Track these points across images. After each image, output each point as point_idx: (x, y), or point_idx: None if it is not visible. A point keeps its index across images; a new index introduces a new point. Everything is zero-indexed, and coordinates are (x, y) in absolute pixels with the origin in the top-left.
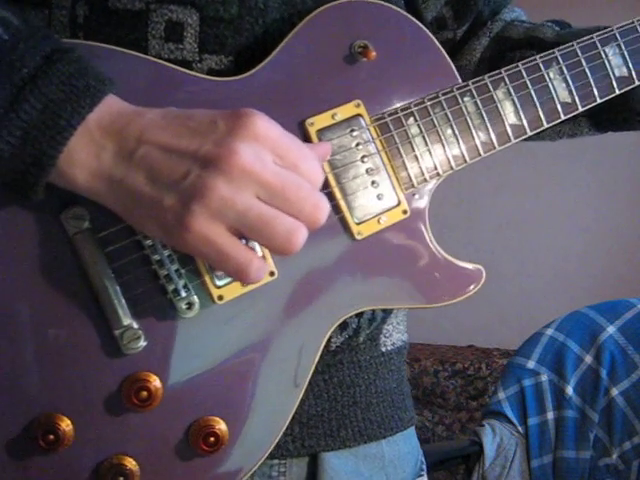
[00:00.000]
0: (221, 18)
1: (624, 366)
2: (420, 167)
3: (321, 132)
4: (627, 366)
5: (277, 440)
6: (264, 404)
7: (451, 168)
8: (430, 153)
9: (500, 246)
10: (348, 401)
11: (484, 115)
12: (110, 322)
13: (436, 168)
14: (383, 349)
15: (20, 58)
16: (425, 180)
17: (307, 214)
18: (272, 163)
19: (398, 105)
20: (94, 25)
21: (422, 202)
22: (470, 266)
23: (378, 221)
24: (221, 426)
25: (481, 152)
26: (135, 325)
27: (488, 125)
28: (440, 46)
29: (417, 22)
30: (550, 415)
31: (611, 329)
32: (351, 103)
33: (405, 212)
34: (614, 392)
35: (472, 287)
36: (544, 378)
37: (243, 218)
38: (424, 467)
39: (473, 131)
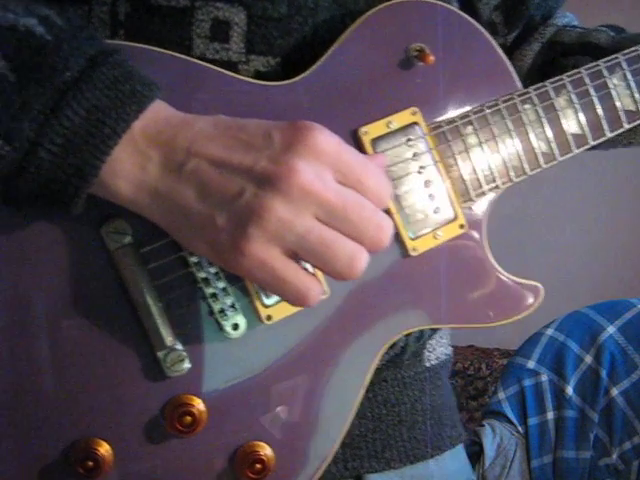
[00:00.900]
0: (269, 17)
1: (624, 366)
2: (478, 179)
3: (375, 141)
4: (627, 366)
5: (325, 466)
6: (313, 428)
7: (510, 180)
8: (489, 164)
9: (500, 246)
10: (393, 420)
11: (545, 124)
12: (153, 343)
13: (495, 180)
14: (427, 364)
15: (63, 60)
16: (483, 193)
17: (370, 236)
18: (333, 181)
19: (456, 113)
20: (136, 22)
21: (480, 216)
22: (528, 282)
23: (434, 236)
24: (267, 452)
25: (542, 163)
26: (179, 346)
27: (549, 135)
28: (500, 49)
29: (476, 23)
30: (550, 415)
31: (611, 329)
32: (407, 110)
33: (462, 226)
34: (614, 392)
35: (530, 305)
36: (544, 378)
37: (302, 241)
38: None
39: (533, 141)
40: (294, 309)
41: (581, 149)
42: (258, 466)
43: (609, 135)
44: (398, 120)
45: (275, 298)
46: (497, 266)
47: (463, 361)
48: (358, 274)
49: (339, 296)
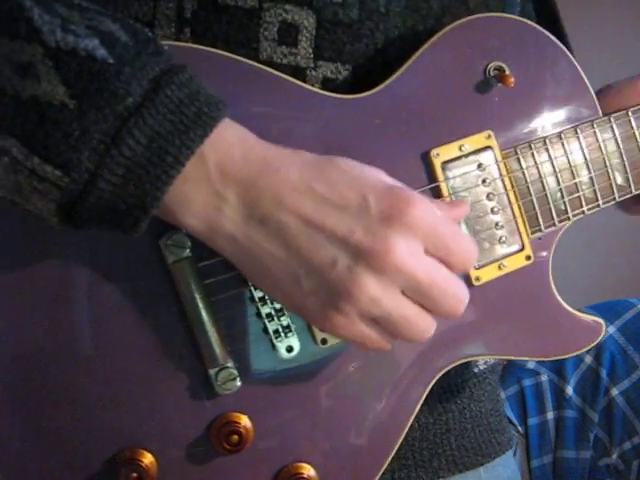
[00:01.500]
0: (340, 22)
1: (624, 366)
2: (550, 210)
3: (446, 164)
4: (627, 366)
5: None
6: (359, 453)
7: (583, 213)
8: (562, 195)
9: None
10: (440, 429)
11: (624, 155)
12: (205, 360)
13: (567, 212)
14: (476, 369)
15: (125, 85)
16: (554, 224)
17: (447, 309)
18: (423, 254)
19: (532, 138)
20: (202, 21)
21: (547, 248)
22: (590, 319)
23: (499, 267)
24: (311, 473)
25: (616, 196)
26: (230, 364)
27: (627, 166)
28: (581, 70)
29: (557, 42)
30: (550, 415)
31: (611, 329)
32: (482, 134)
33: (529, 258)
34: (614, 392)
35: (591, 341)
36: (544, 378)
37: (387, 316)
38: None
39: (610, 172)
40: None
41: None
42: None
43: None
44: (471, 143)
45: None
46: (561, 300)
47: None
48: (424, 341)
49: None
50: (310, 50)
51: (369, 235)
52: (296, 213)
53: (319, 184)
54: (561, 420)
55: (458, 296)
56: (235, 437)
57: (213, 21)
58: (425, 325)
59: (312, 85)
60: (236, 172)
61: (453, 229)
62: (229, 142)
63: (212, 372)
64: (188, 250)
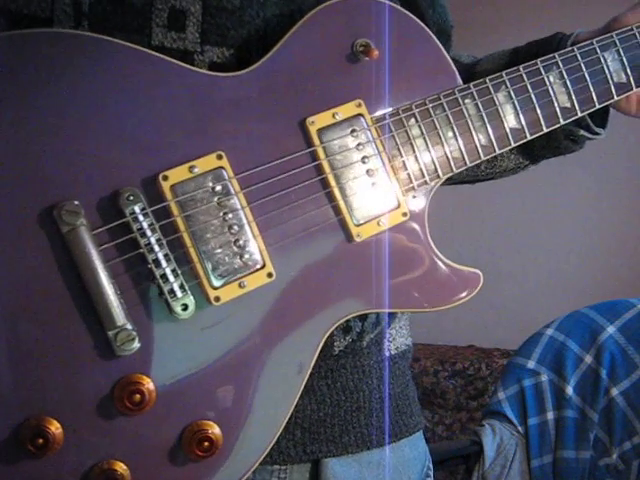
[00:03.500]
0: (224, 8)
1: (624, 366)
2: (420, 169)
3: (321, 131)
4: (627, 366)
5: (271, 446)
6: (260, 408)
7: (451, 170)
8: (431, 155)
9: (500, 246)
10: (351, 406)
11: (485, 117)
12: (103, 322)
13: (436, 170)
14: (387, 353)
15: None
16: (425, 182)
17: None
18: None
19: (399, 105)
20: (99, 13)
21: (421, 204)
22: (468, 270)
23: (378, 223)
24: (215, 430)
25: (481, 155)
26: (129, 326)
27: (488, 127)
28: (442, 46)
29: (419, 21)
30: (550, 415)
31: (611, 329)
32: (352, 102)
33: (405, 214)
34: (614, 392)
35: (470, 291)
36: (544, 378)
37: None
38: (431, 472)
39: (474, 133)
40: (242, 290)
41: (519, 142)
42: (206, 444)
43: (545, 130)
44: (344, 111)
45: (223, 280)
46: (438, 254)
47: (463, 361)
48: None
49: (286, 279)
50: (197, 35)
51: None
52: None
53: None
54: (561, 420)
55: None
56: (137, 397)
57: (109, 12)
58: None
59: (200, 68)
60: None
61: None
62: None
63: (111, 334)
64: (82, 218)
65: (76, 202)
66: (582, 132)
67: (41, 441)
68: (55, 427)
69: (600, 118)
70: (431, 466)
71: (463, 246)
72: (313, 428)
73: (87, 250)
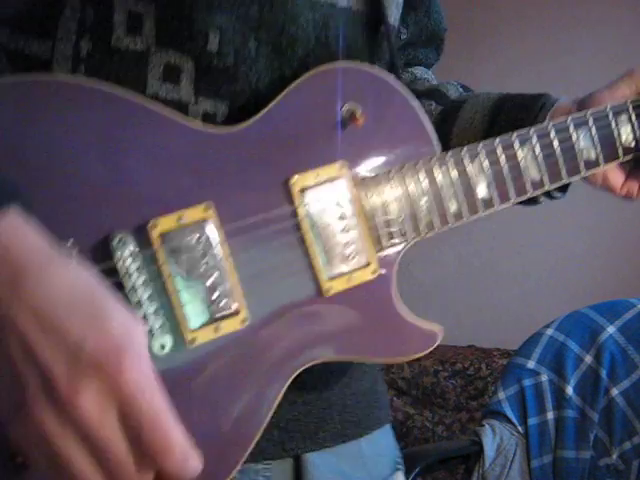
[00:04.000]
0: (216, 67)
1: (624, 366)
2: (392, 231)
3: (304, 191)
4: (627, 366)
5: (239, 466)
6: (221, 438)
7: (419, 235)
8: (402, 219)
9: (500, 246)
10: (323, 404)
11: (458, 187)
12: None
13: (405, 234)
14: None
15: None
16: (396, 244)
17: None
18: (114, 421)
19: (379, 169)
20: (96, 61)
21: (391, 264)
22: (430, 326)
23: (348, 279)
24: None
25: (450, 222)
26: None
27: (460, 197)
28: (425, 116)
29: (405, 91)
30: (550, 415)
31: (611, 329)
32: (335, 165)
33: (374, 272)
34: (614, 392)
35: (429, 346)
36: (544, 378)
37: (53, 458)
38: (400, 460)
39: (445, 201)
40: (216, 334)
41: (488, 212)
42: None
43: (514, 201)
44: (326, 172)
45: (200, 323)
46: (404, 309)
47: (463, 361)
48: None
49: (259, 325)
50: (191, 88)
51: (66, 377)
52: (19, 333)
53: (57, 310)
54: (561, 420)
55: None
56: None
57: (106, 61)
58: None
59: (194, 118)
60: None
61: (157, 412)
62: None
63: None
64: (74, 258)
65: (69, 243)
66: (542, 198)
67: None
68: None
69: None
70: (400, 460)
71: (463, 246)
72: (289, 427)
73: None
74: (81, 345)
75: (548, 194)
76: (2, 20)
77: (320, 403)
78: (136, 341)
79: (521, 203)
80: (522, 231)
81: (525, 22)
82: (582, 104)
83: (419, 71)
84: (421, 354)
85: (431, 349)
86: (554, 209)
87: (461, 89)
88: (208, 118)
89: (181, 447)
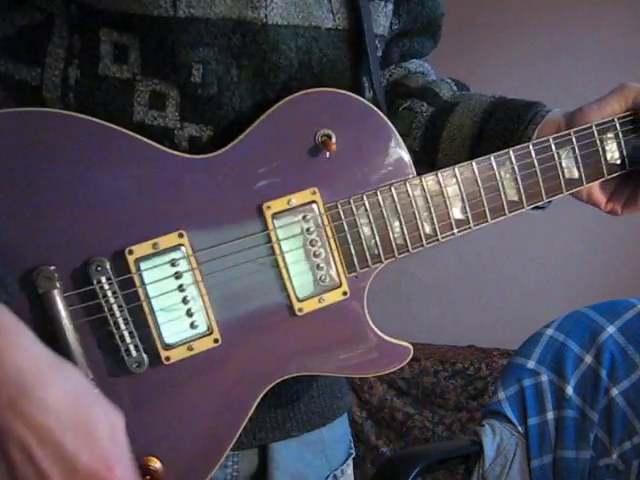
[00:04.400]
0: (200, 96)
1: (624, 366)
2: (365, 254)
3: (276, 215)
4: (627, 366)
5: (213, 473)
6: (199, 445)
7: (394, 256)
8: (376, 241)
9: (500, 246)
10: (291, 397)
11: (432, 209)
12: None
13: (379, 256)
14: None
15: None
16: (368, 266)
17: None
18: None
19: (352, 194)
20: (84, 88)
21: (362, 285)
22: (399, 344)
23: (319, 300)
24: (156, 465)
25: (424, 243)
26: (90, 375)
27: (434, 218)
28: (399, 138)
29: (382, 116)
30: (550, 415)
31: (611, 329)
32: (308, 190)
33: (345, 293)
34: (614, 392)
35: (399, 363)
36: (544, 378)
37: None
38: (352, 445)
39: (419, 223)
40: (190, 352)
41: (462, 233)
42: (147, 477)
43: (490, 222)
44: (298, 198)
45: (174, 342)
46: (374, 328)
47: (463, 361)
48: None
49: (231, 345)
50: (177, 114)
51: None
52: (19, 443)
53: (51, 424)
54: (561, 420)
55: None
56: None
57: (94, 88)
58: None
59: (179, 142)
60: None
61: None
62: None
63: None
64: (56, 282)
65: (52, 268)
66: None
67: None
68: None
69: None
70: (352, 446)
71: (463, 246)
72: (260, 418)
73: (58, 310)
74: (76, 458)
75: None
76: None
77: (289, 395)
78: (119, 438)
79: None
80: (522, 231)
81: (525, 22)
82: (571, 118)
83: (413, 65)
84: (394, 369)
85: (404, 364)
86: (554, 209)
87: (455, 87)
88: (194, 141)
89: None
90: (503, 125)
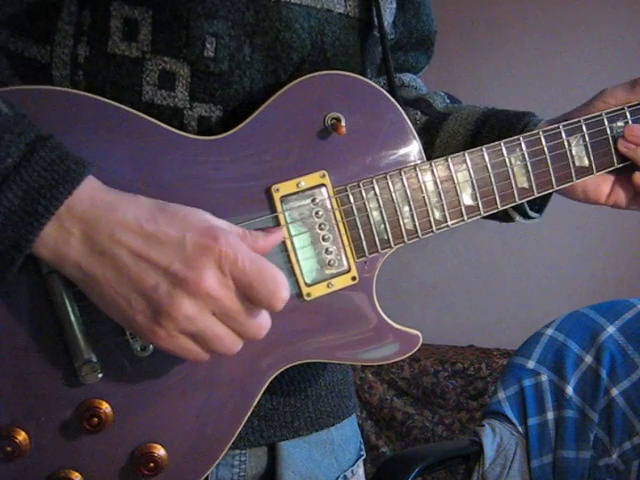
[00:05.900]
0: (212, 72)
1: (624, 366)
2: (374, 239)
3: (285, 198)
4: (627, 366)
5: (214, 466)
6: (206, 431)
7: (403, 242)
8: (385, 226)
9: (500, 246)
10: (300, 395)
11: (442, 194)
12: (72, 355)
13: (389, 241)
14: None
15: (5, 148)
16: (377, 251)
17: (252, 333)
18: (232, 287)
19: (362, 178)
20: (94, 66)
21: (371, 270)
22: (409, 331)
23: (327, 285)
24: (161, 452)
25: (434, 229)
26: (94, 359)
27: (444, 204)
28: (409, 122)
29: (391, 99)
30: (550, 415)
31: (611, 329)
32: (317, 173)
33: (354, 279)
34: (614, 392)
35: (409, 350)
36: (544, 378)
37: (201, 333)
38: (363, 447)
39: (429, 209)
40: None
41: (472, 219)
42: (151, 464)
43: (500, 209)
44: (307, 181)
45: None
46: (382, 315)
47: (463, 361)
48: (232, 354)
49: None
50: (186, 94)
51: (185, 266)
52: (127, 246)
53: (148, 224)
54: (561, 420)
55: (259, 323)
56: (95, 419)
57: (102, 67)
58: (230, 342)
59: (188, 123)
60: (83, 212)
61: (258, 266)
62: (86, 193)
63: (77, 365)
64: None
65: None
66: (518, 218)
67: (9, 449)
68: (23, 437)
69: (541, 198)
70: (363, 447)
71: (463, 246)
72: (268, 416)
73: (61, 293)
74: (182, 238)
75: (525, 214)
76: (1, 22)
77: (297, 394)
78: (212, 219)
79: (494, 218)
80: (522, 231)
81: (525, 22)
82: (573, 113)
83: (407, 78)
84: (404, 357)
85: (414, 351)
86: (554, 209)
87: (448, 100)
88: (203, 121)
89: (282, 283)
90: (496, 133)
